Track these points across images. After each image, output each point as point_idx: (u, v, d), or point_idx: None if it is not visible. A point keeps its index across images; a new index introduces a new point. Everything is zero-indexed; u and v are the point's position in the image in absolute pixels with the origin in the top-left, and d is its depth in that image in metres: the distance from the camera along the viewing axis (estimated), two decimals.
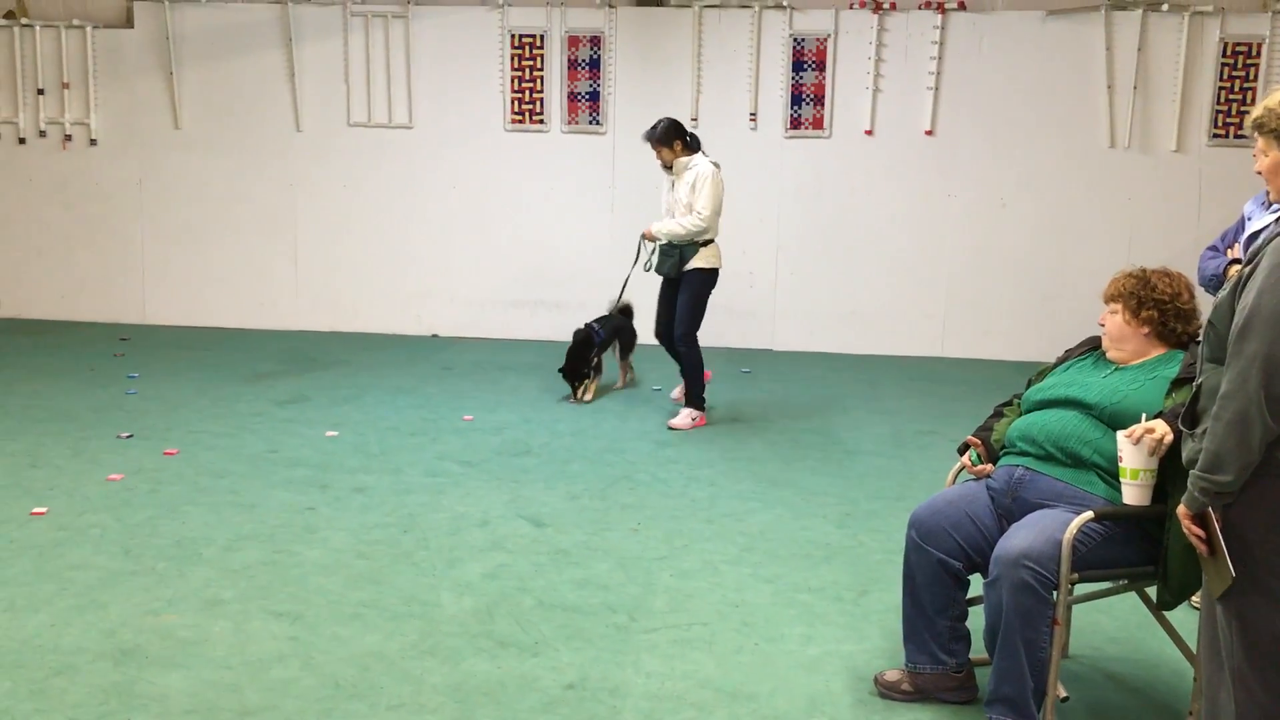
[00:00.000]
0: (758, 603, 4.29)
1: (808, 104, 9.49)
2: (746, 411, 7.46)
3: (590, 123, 9.70)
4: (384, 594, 4.31)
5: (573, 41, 9.61)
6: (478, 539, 4.94)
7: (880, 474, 6.09)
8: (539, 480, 5.84)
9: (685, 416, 7.01)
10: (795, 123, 9.52)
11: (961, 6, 9.29)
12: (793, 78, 9.47)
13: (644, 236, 7.14)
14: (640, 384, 8.23)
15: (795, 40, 9.43)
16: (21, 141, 10.16)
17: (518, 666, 3.72)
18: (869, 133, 9.47)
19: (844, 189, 9.60)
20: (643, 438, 6.72)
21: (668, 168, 7.02)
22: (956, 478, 3.76)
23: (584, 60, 9.62)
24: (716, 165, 6.97)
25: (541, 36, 9.63)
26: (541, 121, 9.75)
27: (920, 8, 9.32)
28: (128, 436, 6.44)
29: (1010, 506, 3.40)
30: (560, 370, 7.55)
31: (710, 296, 7.06)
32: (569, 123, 9.73)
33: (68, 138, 10.13)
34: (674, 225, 6.86)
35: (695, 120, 9.56)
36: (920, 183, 9.52)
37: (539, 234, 9.90)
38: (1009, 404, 3.75)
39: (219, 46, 9.91)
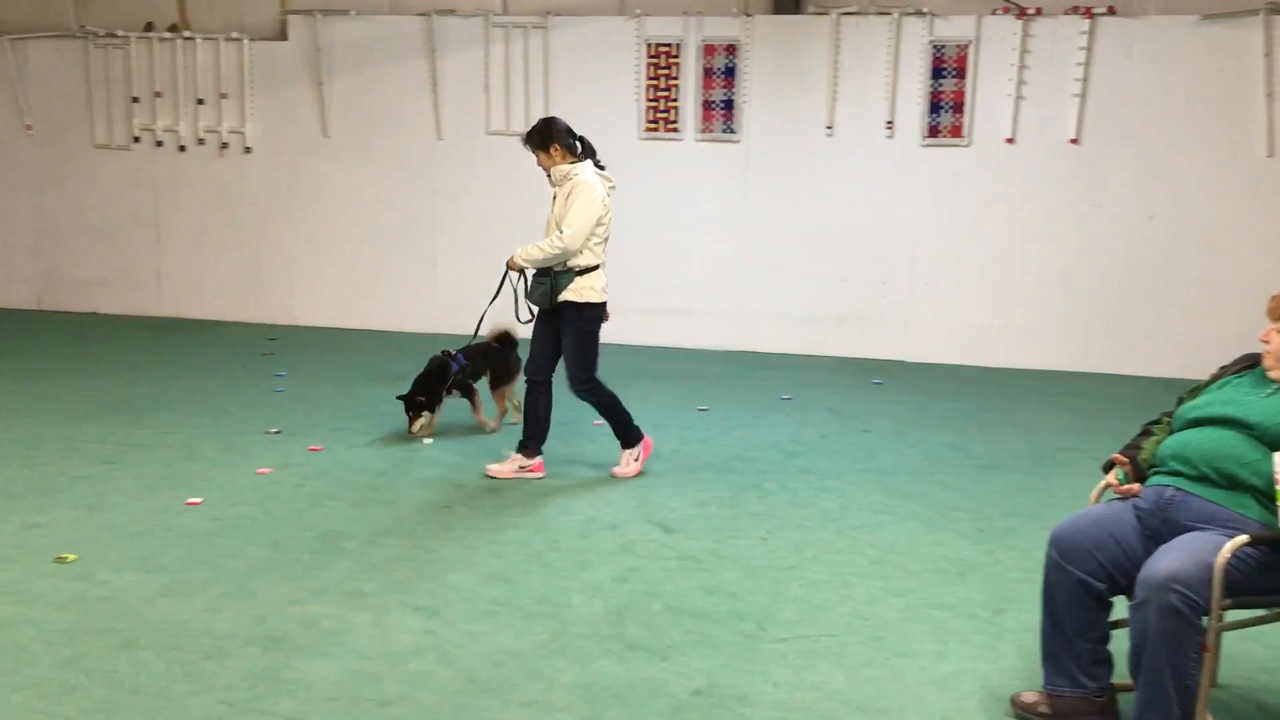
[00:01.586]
0: (888, 617, 4.23)
1: (946, 111, 9.32)
2: (878, 423, 7.36)
3: (724, 131, 9.72)
4: (516, 593, 4.39)
5: (708, 50, 9.64)
6: (607, 542, 4.99)
7: (1017, 490, 5.94)
8: (668, 486, 5.87)
9: (625, 461, 6.07)
10: (933, 131, 9.36)
11: (1111, 11, 9.00)
12: (932, 85, 9.32)
13: (509, 266, 5.88)
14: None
15: (935, 47, 9.28)
16: (182, 149, 10.68)
17: (646, 670, 3.75)
18: (1010, 141, 9.25)
19: (983, 198, 9.40)
20: (772, 447, 6.70)
21: (548, 176, 5.94)
22: (1100, 496, 3.65)
23: (719, 69, 9.65)
24: (604, 175, 5.92)
25: (677, 45, 9.69)
26: (675, 130, 9.81)
27: (1067, 13, 9.06)
28: (276, 432, 6.71)
29: (1159, 528, 3.28)
30: (400, 397, 6.60)
31: (599, 333, 5.99)
32: (703, 131, 9.76)
33: (224, 145, 10.61)
34: (532, 248, 5.71)
35: (830, 128, 9.49)
36: (1064, 193, 9.25)
37: (670, 242, 9.96)
38: (1158, 422, 3.62)
39: (366, 57, 10.26)
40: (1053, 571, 3.38)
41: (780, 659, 3.85)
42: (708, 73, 9.68)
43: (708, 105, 9.72)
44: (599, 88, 9.89)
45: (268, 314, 10.73)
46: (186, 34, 10.53)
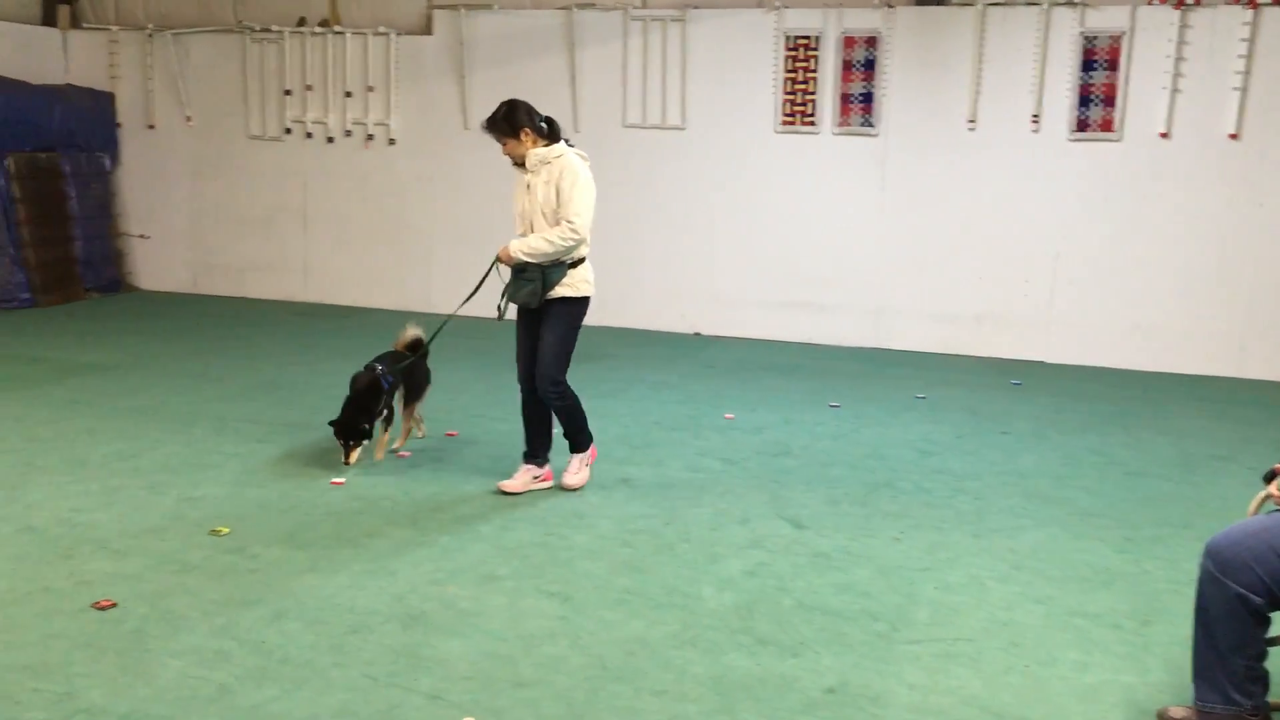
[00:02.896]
0: (1028, 623, 4.12)
1: (1096, 105, 9.00)
2: (1017, 425, 7.17)
3: (862, 125, 9.58)
4: (647, 583, 4.42)
5: (848, 42, 9.51)
6: (738, 536, 4.98)
7: (1166, 498, 5.71)
8: (799, 482, 5.83)
9: (576, 467, 5.60)
10: (1082, 125, 9.05)
11: (1277, 2, 8.56)
12: (1081, 78, 9.01)
13: (499, 259, 5.41)
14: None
15: (1086, 38, 8.97)
16: (330, 140, 11.04)
17: (777, 666, 3.73)
18: (1164, 135, 8.89)
19: (1134, 194, 9.05)
20: (906, 446, 6.58)
21: (520, 164, 5.42)
22: (1259, 508, 3.48)
23: (859, 61, 9.51)
24: (580, 153, 5.41)
25: (816, 38, 9.58)
26: (813, 123, 9.71)
27: (1228, 3, 8.65)
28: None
29: None
30: (331, 423, 5.75)
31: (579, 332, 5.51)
32: (840, 125, 9.64)
33: (370, 137, 10.93)
34: (539, 241, 5.24)
35: (972, 122, 9.27)
36: (1222, 189, 8.84)
37: (805, 236, 9.87)
38: None
39: (507, 51, 10.43)
40: (1208, 584, 3.24)
41: (914, 661, 3.79)
42: (847, 65, 9.54)
43: (846, 98, 9.59)
44: (736, 81, 9.85)
45: (407, 301, 11.00)
46: (337, 29, 10.87)
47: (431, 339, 6.16)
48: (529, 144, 5.33)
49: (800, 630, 4.01)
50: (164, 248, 11.76)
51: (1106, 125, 9.01)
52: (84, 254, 11.19)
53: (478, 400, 7.39)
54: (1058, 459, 6.39)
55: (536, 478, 5.56)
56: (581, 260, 5.37)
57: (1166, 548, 4.96)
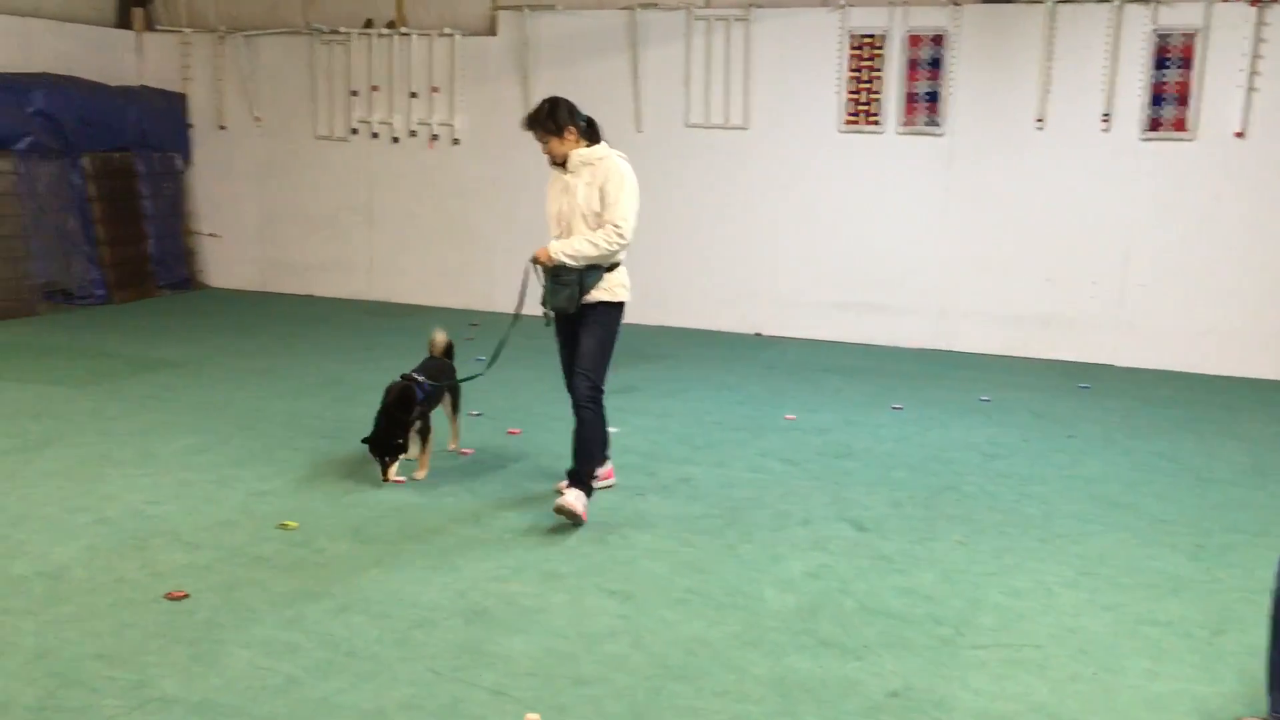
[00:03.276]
0: (1096, 630, 4.06)
1: (1169, 104, 8.83)
2: (1084, 429, 7.05)
3: (927, 124, 9.48)
4: (709, 583, 4.42)
5: (914, 41, 9.42)
6: (800, 537, 4.96)
7: (1239, 505, 5.59)
8: (861, 484, 5.79)
9: (576, 495, 5.10)
10: (1154, 124, 8.88)
11: None
12: (1154, 76, 8.84)
13: (535, 260, 5.15)
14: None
15: (1159, 35, 8.80)
16: (395, 141, 11.17)
17: (840, 668, 3.71)
18: (1240, 135, 8.69)
19: (1207, 195, 8.86)
20: (970, 449, 6.51)
21: (559, 164, 5.21)
22: None
23: (925, 60, 9.41)
24: (624, 159, 5.22)
25: (882, 36, 9.51)
26: (877, 123, 9.63)
27: None
28: (477, 415, 6.94)
29: None
30: (366, 440, 5.50)
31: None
32: (905, 124, 9.55)
33: (434, 137, 11.04)
34: (582, 244, 5.03)
35: (1041, 121, 9.14)
36: None
37: (868, 236, 9.80)
38: None
39: (571, 51, 10.48)
40: None
41: (979, 666, 3.75)
42: (912, 64, 9.46)
43: (911, 97, 9.50)
44: (799, 80, 9.81)
45: (469, 300, 11.09)
46: (403, 30, 10.99)
47: (491, 362, 5.74)
48: (572, 143, 5.14)
49: (863, 633, 3.98)
50: (233, 246, 11.98)
51: (1179, 125, 8.83)
52: (156, 252, 11.43)
53: (539, 398, 7.43)
54: (1126, 464, 6.28)
55: (597, 477, 5.45)
56: (617, 264, 5.18)
57: (1239, 555, 4.85)
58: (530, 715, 3.32)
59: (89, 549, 4.56)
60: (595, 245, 5.03)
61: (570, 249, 5.04)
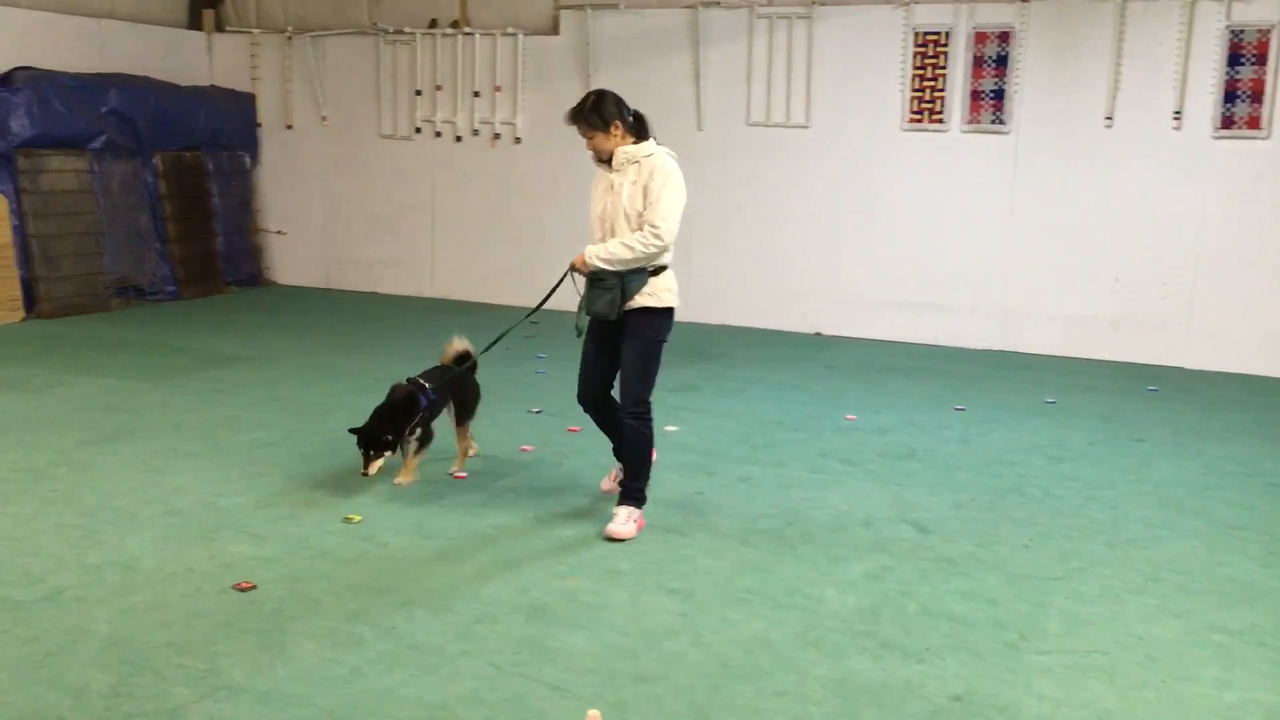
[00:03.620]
0: (1165, 638, 3.98)
1: (1243, 101, 8.63)
2: (1153, 432, 6.92)
3: (992, 122, 9.36)
4: (769, 582, 4.40)
5: (979, 38, 9.31)
6: (860, 539, 4.93)
7: None
8: (923, 485, 5.73)
9: (624, 518, 4.86)
10: (1227, 122, 8.68)
11: None
12: (1227, 73, 8.65)
13: (573, 267, 4.89)
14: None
15: (1233, 32, 8.60)
16: (458, 140, 11.27)
17: (902, 671, 3.68)
18: None
19: None
20: (1035, 451, 6.42)
21: (604, 161, 4.91)
22: None
23: (990, 57, 9.29)
24: (673, 156, 4.91)
25: (946, 33, 9.40)
26: (941, 121, 9.53)
27: None
28: (537, 412, 6.98)
29: None
30: (353, 430, 5.35)
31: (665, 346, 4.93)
32: (969, 122, 9.44)
33: (496, 136, 11.12)
34: (618, 247, 4.73)
35: (1109, 119, 8.98)
36: None
37: (931, 235, 9.70)
38: None
39: (633, 50, 10.49)
40: None
41: (1045, 672, 3.70)
42: (978, 61, 9.34)
43: (976, 95, 9.39)
44: (862, 78, 9.73)
45: (529, 298, 11.08)
46: (466, 30, 11.08)
47: (486, 350, 5.70)
48: (618, 139, 4.81)
49: (925, 636, 3.94)
50: (299, 244, 12.16)
51: (1253, 123, 8.63)
52: (225, 249, 11.64)
53: None
54: (1197, 468, 6.15)
55: (636, 520, 4.98)
56: (664, 268, 4.85)
57: None
58: (591, 712, 3.33)
59: (159, 539, 4.66)
60: (631, 248, 4.70)
61: (605, 253, 4.73)
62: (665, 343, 4.91)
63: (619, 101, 4.85)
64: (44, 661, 3.56)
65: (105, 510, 5.00)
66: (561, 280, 5.11)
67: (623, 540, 4.78)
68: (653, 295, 4.82)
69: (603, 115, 4.79)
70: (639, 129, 4.86)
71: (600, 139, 4.82)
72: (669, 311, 4.89)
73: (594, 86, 10.47)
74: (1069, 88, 9.12)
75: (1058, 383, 8.28)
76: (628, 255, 4.72)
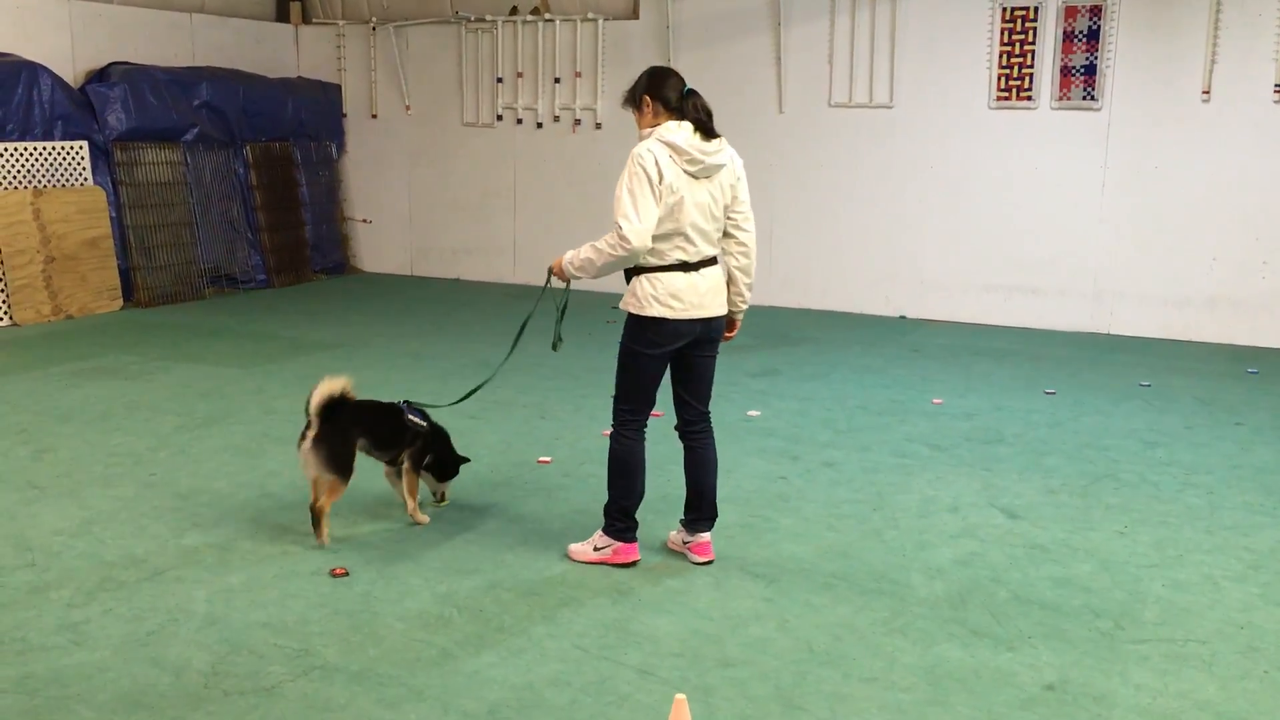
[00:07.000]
0: (1268, 627, 3.86)
1: None
2: (1253, 416, 6.71)
3: (1084, 98, 9.13)
4: (854, 568, 4.36)
5: (1070, 13, 9.07)
6: (948, 524, 4.86)
7: None
8: (1012, 470, 5.62)
9: (590, 540, 4.41)
10: None
11: None
12: None
13: (552, 272, 4.57)
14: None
15: None
16: (539, 126, 11.32)
17: (992, 659, 3.62)
18: None
19: None
20: (1129, 436, 6.26)
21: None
22: None
23: (1081, 32, 9.06)
24: (697, 146, 4.17)
25: (1035, 9, 9.18)
26: (1029, 98, 9.31)
27: None
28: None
29: None
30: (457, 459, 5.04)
31: (646, 363, 4.25)
32: (1060, 99, 9.21)
33: (577, 122, 11.15)
34: (587, 249, 4.31)
35: (1206, 94, 8.70)
36: None
37: (1019, 216, 9.50)
38: None
39: (713, 32, 10.43)
40: None
41: (1141, 661, 3.61)
42: (1068, 36, 9.11)
43: (1066, 71, 9.16)
44: (947, 56, 9.55)
45: (610, 284, 11.12)
46: (547, 16, 11.12)
47: (468, 396, 5.26)
48: (649, 120, 4.21)
49: (1017, 623, 3.87)
50: (384, 232, 12.34)
51: None
52: (313, 238, 11.87)
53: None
54: None
55: (685, 543, 4.45)
56: (652, 269, 4.15)
57: None
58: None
59: (253, 521, 4.77)
60: (600, 251, 4.14)
61: (578, 258, 4.26)
62: (645, 354, 4.19)
63: (660, 77, 4.25)
64: (146, 640, 3.68)
65: (202, 493, 5.13)
66: (545, 288, 4.65)
67: (574, 561, 4.35)
68: (631, 297, 4.22)
69: (634, 92, 4.26)
70: (681, 111, 4.19)
71: (636, 118, 4.30)
72: (648, 321, 4.14)
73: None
74: (1163, 61, 8.85)
75: (1152, 365, 8.07)
76: (596, 259, 4.17)
